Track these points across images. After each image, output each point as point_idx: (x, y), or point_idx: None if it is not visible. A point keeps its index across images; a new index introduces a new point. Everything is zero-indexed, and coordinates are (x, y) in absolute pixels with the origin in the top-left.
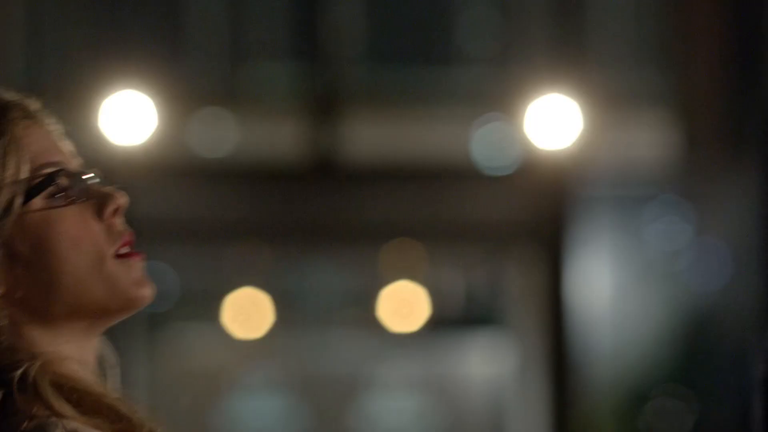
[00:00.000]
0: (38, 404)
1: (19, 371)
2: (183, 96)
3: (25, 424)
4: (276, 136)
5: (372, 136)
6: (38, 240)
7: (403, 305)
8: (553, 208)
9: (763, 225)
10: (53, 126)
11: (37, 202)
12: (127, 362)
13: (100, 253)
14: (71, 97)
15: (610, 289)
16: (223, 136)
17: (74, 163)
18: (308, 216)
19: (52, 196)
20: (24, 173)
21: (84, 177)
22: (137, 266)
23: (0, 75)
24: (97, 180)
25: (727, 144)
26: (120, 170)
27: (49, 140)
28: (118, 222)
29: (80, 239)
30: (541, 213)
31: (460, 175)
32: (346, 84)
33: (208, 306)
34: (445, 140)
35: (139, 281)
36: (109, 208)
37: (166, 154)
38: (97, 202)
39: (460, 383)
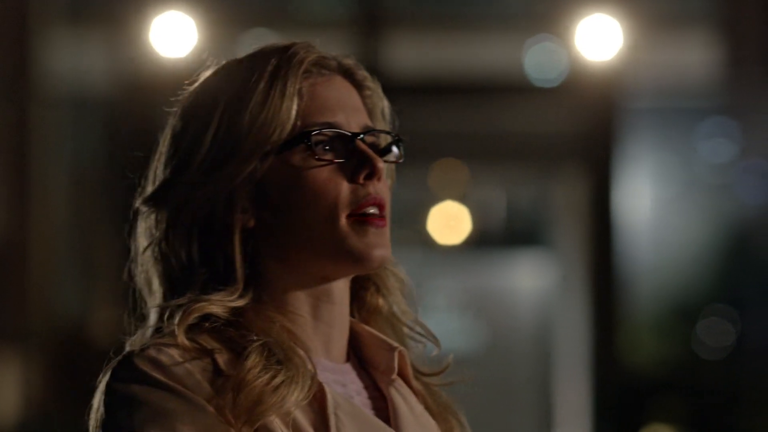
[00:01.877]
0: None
1: (183, 306)
2: (228, 17)
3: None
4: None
5: (418, 52)
6: (286, 187)
7: (449, 223)
8: (599, 124)
9: None
10: (363, 85)
11: (297, 153)
12: None
13: (335, 212)
14: (116, 19)
15: (654, 204)
16: None
17: (357, 124)
18: None
19: (312, 150)
20: (293, 124)
21: (357, 138)
22: (371, 230)
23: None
24: (373, 143)
25: None
26: (166, 89)
27: (338, 98)
28: (370, 186)
29: (321, 196)
30: (586, 129)
31: (508, 89)
32: (393, 2)
33: None
34: (492, 55)
35: (369, 244)
36: (363, 173)
37: None
38: (356, 164)
39: (505, 301)
